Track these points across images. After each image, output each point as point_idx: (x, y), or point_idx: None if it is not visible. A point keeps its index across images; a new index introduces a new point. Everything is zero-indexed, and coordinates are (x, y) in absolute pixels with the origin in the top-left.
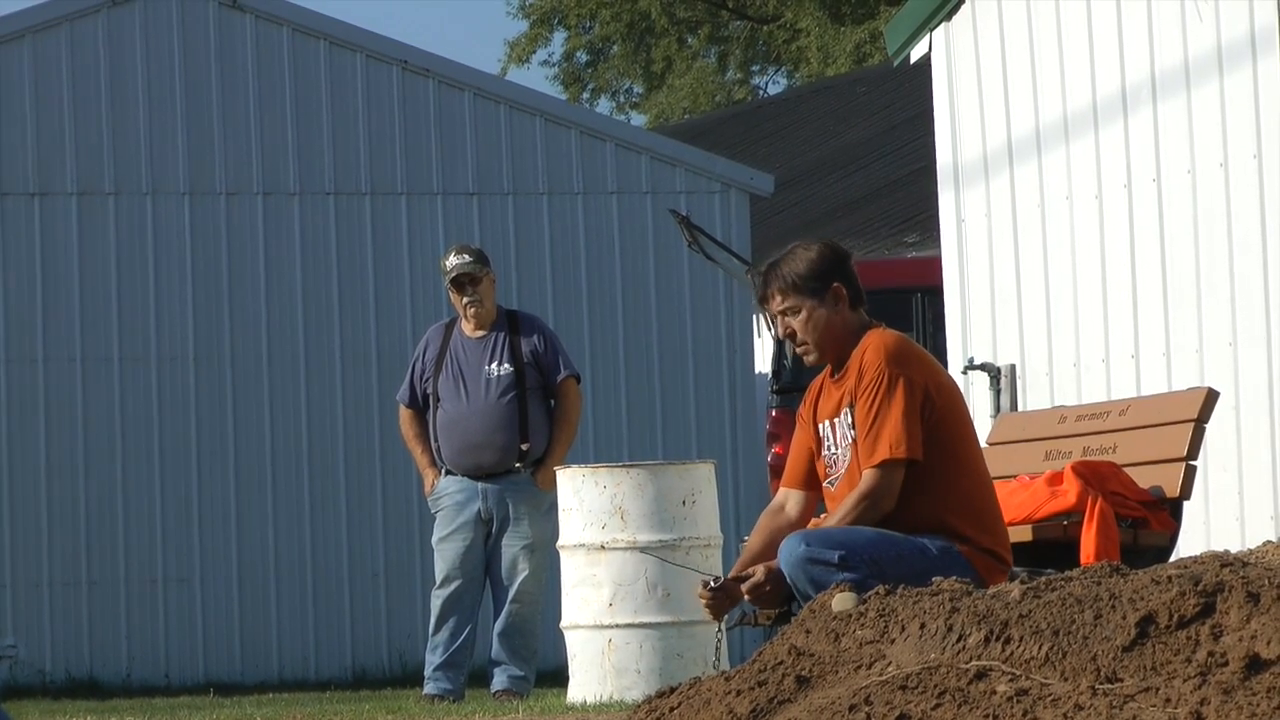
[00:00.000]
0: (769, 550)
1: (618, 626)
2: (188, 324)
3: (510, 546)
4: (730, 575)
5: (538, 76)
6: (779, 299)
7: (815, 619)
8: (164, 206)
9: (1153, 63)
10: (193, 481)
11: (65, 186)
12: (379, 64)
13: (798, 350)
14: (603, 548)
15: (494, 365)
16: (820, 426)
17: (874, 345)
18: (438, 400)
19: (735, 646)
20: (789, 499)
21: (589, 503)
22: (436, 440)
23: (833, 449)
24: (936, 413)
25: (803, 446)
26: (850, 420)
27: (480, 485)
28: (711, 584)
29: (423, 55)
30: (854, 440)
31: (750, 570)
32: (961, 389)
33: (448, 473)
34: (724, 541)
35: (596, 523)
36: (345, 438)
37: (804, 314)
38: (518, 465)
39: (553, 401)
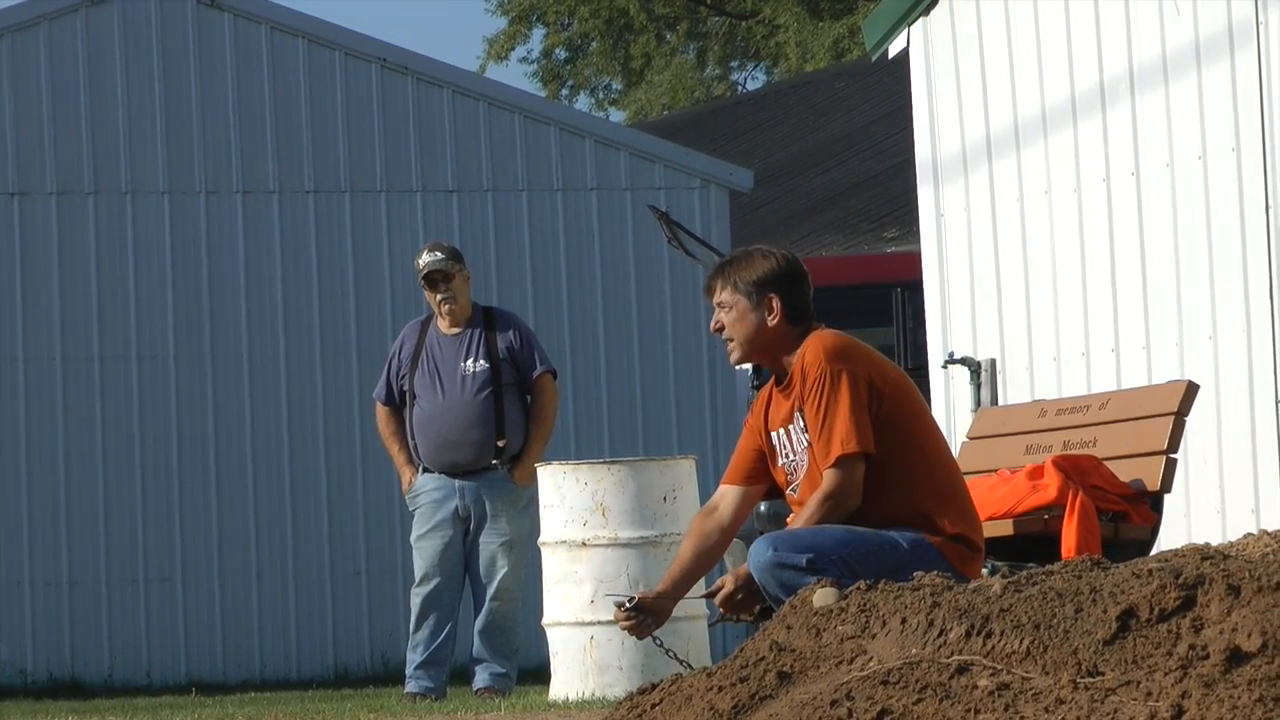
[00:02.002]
0: (698, 559)
1: (599, 623)
2: (168, 323)
3: (488, 544)
4: (657, 590)
5: (516, 73)
6: (719, 291)
7: (796, 615)
8: (143, 205)
9: (1130, 56)
10: (173, 480)
11: (45, 186)
12: (358, 62)
13: (727, 346)
14: (584, 544)
15: (470, 362)
16: (774, 435)
17: (813, 348)
18: (414, 397)
19: (717, 643)
20: (725, 497)
21: (570, 499)
22: (413, 437)
23: (790, 456)
24: (887, 404)
25: (748, 446)
26: (803, 425)
27: (457, 482)
28: (627, 604)
29: (401, 53)
30: (810, 444)
31: (720, 583)
32: (941, 383)
33: (425, 470)
34: None
35: (578, 519)
36: (326, 436)
37: (735, 313)
38: (494, 462)
39: (529, 398)
